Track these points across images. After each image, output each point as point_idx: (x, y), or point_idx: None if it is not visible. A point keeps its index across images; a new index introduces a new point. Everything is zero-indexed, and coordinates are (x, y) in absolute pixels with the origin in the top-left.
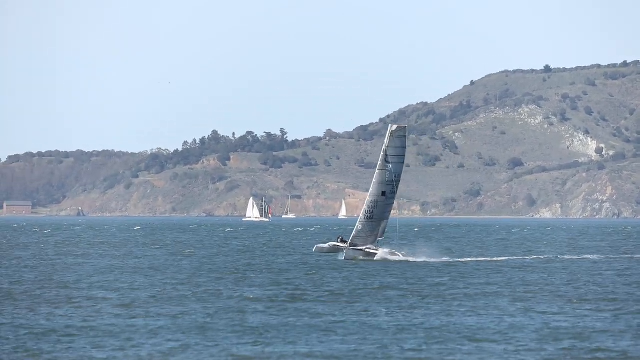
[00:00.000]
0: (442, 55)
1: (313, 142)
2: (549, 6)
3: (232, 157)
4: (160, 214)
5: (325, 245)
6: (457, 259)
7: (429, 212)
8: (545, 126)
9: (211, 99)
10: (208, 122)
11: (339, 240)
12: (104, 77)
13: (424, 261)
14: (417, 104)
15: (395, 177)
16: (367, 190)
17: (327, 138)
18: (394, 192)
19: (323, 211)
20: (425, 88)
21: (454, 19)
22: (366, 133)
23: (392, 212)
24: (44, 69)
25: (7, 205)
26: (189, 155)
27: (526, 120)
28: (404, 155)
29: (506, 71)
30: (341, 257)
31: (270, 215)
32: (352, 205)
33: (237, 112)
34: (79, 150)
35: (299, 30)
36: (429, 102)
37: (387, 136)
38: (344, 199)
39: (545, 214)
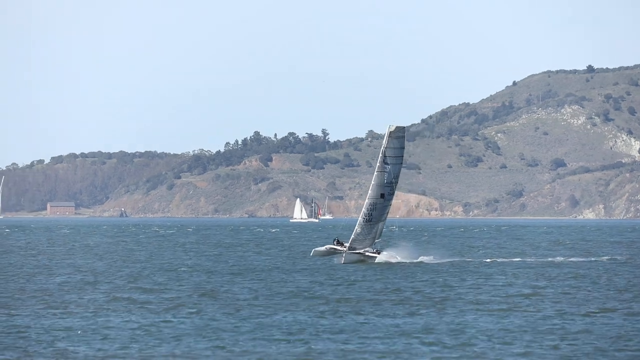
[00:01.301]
0: (484, 55)
1: (355, 143)
2: (592, 6)
3: (274, 158)
4: (202, 215)
5: (323, 249)
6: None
7: (471, 213)
8: (588, 126)
9: (253, 100)
10: (250, 123)
11: (334, 242)
12: (148, 79)
13: (422, 262)
14: (459, 104)
15: (393, 178)
16: (409, 191)
17: (369, 139)
18: (392, 194)
19: None
20: (468, 88)
21: (496, 19)
22: (408, 134)
23: (435, 213)
24: (88, 71)
25: (50, 206)
26: (231, 156)
27: (569, 120)
28: (402, 157)
29: (549, 71)
30: (340, 260)
31: (319, 216)
32: (394, 207)
33: (279, 113)
34: (121, 151)
35: (341, 32)
36: (471, 103)
37: (385, 137)
38: None
39: (588, 215)
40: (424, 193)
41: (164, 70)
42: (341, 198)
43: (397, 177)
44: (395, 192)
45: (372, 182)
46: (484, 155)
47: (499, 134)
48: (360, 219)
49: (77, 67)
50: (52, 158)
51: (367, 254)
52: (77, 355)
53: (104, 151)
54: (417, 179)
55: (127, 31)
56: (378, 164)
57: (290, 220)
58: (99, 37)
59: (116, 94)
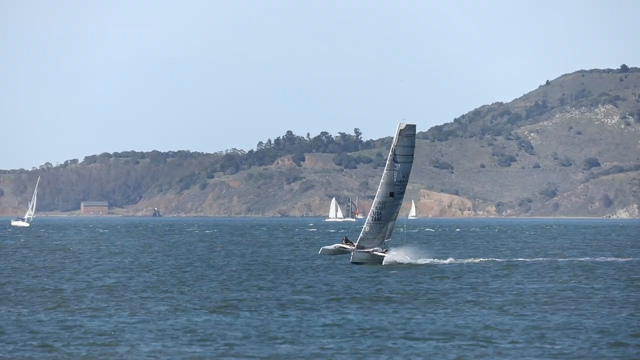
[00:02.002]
0: (517, 54)
1: (387, 142)
2: (625, 5)
3: (306, 157)
4: (235, 214)
5: (331, 247)
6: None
7: (504, 213)
8: (622, 126)
9: (285, 100)
10: (282, 122)
11: (343, 241)
12: (179, 78)
13: (433, 263)
14: (492, 104)
15: (403, 177)
16: (442, 191)
17: None
18: (402, 193)
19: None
20: (501, 88)
21: (530, 17)
22: (441, 133)
23: (467, 213)
24: (120, 70)
25: (84, 206)
26: (263, 155)
27: (602, 120)
28: (413, 155)
29: (582, 71)
30: (349, 259)
31: (357, 216)
32: (427, 206)
33: (312, 113)
34: (154, 150)
35: (372, 29)
36: (504, 102)
37: (395, 135)
38: (413, 200)
39: (622, 215)
40: (456, 193)
41: (197, 69)
42: (374, 197)
43: (407, 175)
44: (428, 192)
45: (382, 181)
46: (517, 155)
47: (532, 134)
48: (369, 217)
49: (109, 65)
50: (86, 157)
51: (375, 253)
52: (113, 356)
53: (137, 151)
54: (450, 179)
55: (158, 30)
56: (387, 162)
57: (325, 220)
58: (130, 36)
59: (149, 93)
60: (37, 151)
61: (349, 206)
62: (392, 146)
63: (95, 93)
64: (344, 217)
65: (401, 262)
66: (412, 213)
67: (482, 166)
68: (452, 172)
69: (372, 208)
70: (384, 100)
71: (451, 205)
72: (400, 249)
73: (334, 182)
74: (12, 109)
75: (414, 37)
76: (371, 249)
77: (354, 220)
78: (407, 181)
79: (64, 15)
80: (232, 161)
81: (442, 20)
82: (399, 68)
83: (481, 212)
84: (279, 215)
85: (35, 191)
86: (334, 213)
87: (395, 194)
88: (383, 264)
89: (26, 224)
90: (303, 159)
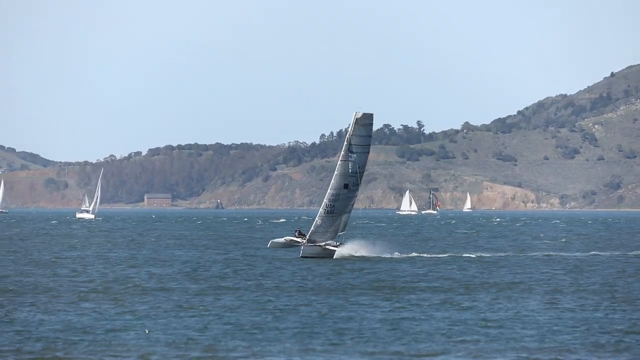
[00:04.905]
0: (582, 46)
1: (450, 135)
2: None
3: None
4: (297, 206)
5: (281, 240)
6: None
7: (567, 205)
8: None
9: (348, 92)
10: (345, 114)
11: (296, 233)
12: (243, 71)
13: (389, 257)
14: (556, 95)
15: (359, 167)
16: (505, 183)
17: (465, 130)
18: (357, 184)
19: (460, 204)
20: (565, 80)
21: (595, 9)
22: (504, 125)
23: (531, 205)
24: (183, 63)
25: (147, 198)
26: (326, 147)
27: None
28: (369, 145)
29: None
30: (299, 253)
31: (438, 208)
32: (490, 199)
33: (374, 105)
34: (217, 143)
35: (437, 24)
36: (568, 94)
37: (351, 124)
38: (475, 192)
39: None
40: (519, 185)
41: (261, 62)
42: (436, 190)
43: (363, 167)
44: (491, 185)
45: (335, 172)
46: (581, 147)
47: (596, 126)
48: (320, 210)
49: (174, 58)
50: (149, 150)
51: (327, 247)
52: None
53: (200, 143)
54: (513, 171)
55: (219, 25)
56: (342, 152)
57: (397, 212)
58: (196, 27)
59: (212, 86)
60: (101, 144)
61: (430, 198)
62: (347, 136)
63: (160, 86)
64: (426, 209)
65: (353, 255)
66: (468, 205)
67: (546, 158)
68: (516, 165)
69: (325, 200)
70: (448, 93)
71: (514, 198)
72: (353, 242)
73: (397, 175)
74: (77, 102)
75: (476, 30)
76: (323, 243)
77: (435, 212)
78: (363, 172)
79: (131, 4)
80: (294, 153)
81: (506, 11)
82: (462, 60)
83: (544, 205)
84: None
85: (99, 183)
86: (408, 205)
87: (350, 186)
88: (334, 257)
89: (91, 216)
90: None
